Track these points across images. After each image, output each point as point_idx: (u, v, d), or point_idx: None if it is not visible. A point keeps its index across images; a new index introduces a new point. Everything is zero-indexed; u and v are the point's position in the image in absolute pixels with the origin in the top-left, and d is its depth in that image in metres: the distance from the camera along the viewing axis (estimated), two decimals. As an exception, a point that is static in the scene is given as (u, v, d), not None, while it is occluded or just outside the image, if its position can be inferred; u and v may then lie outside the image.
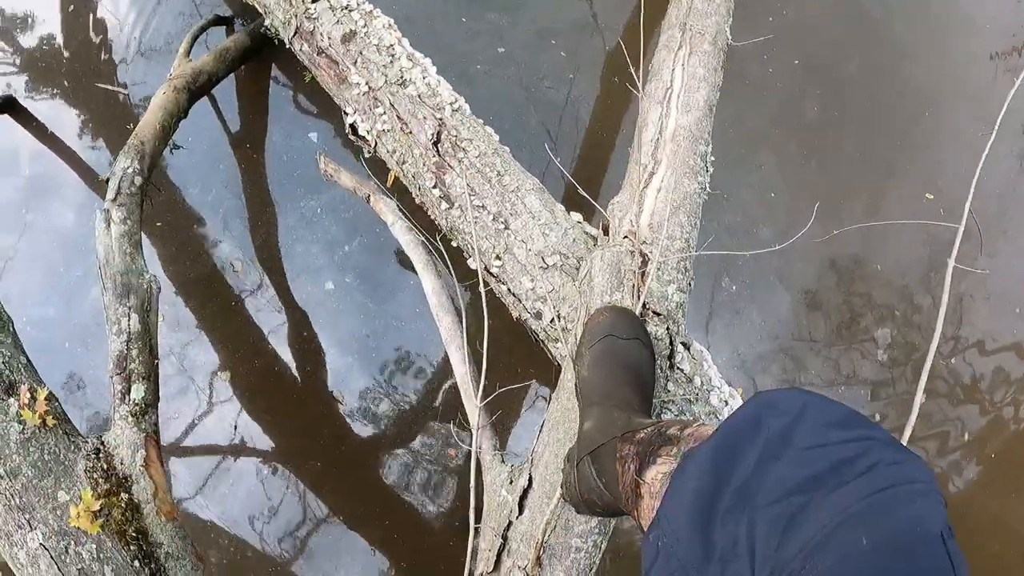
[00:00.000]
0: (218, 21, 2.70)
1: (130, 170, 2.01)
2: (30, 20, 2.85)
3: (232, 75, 2.57)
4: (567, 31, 2.65)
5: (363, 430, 2.30)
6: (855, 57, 2.96)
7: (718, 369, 1.54)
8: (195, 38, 2.56)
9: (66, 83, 2.71)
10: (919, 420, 2.35)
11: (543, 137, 2.46)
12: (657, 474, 0.88)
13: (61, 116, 2.67)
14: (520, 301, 1.62)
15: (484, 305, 1.52)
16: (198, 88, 2.40)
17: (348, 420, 2.30)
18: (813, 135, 2.75)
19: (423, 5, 2.63)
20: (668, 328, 1.39)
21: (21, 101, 2.65)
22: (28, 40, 2.80)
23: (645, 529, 0.91)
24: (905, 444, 1.16)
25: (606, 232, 1.57)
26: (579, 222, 1.67)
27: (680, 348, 1.46)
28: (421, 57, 1.89)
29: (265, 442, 2.29)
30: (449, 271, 1.65)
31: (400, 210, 1.81)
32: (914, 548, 0.55)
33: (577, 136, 2.51)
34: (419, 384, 2.33)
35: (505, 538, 1.34)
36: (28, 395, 1.54)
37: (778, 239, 2.43)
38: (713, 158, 1.69)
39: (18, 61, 2.77)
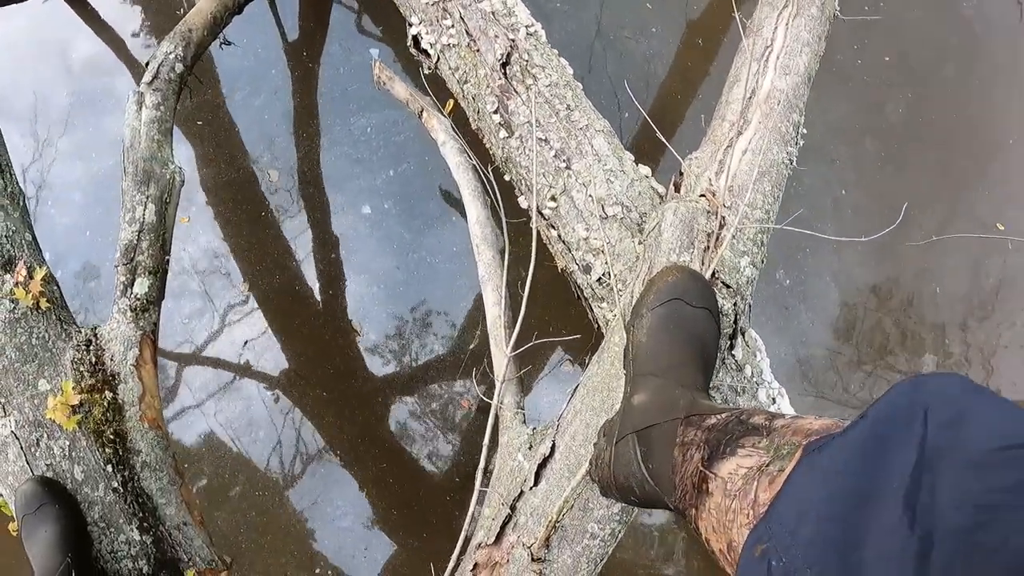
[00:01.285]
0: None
1: (172, 55, 1.88)
2: None
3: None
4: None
5: (376, 366, 2.19)
6: (949, 66, 2.79)
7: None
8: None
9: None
10: None
11: (615, 88, 2.31)
12: (738, 468, 0.72)
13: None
14: (570, 251, 1.48)
15: (534, 246, 1.37)
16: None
17: (362, 353, 2.19)
18: (893, 138, 2.60)
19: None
20: (735, 304, 1.25)
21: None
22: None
23: (702, 531, 0.76)
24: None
25: (677, 189, 1.42)
26: (647, 176, 1.52)
27: (740, 332, 1.32)
28: None
29: (272, 363, 2.19)
30: (498, 203, 1.51)
31: (453, 130, 1.66)
32: None
33: (649, 93, 2.36)
34: (443, 326, 2.22)
35: (513, 509, 1.21)
36: (24, 273, 1.43)
37: (846, 235, 2.31)
38: (805, 131, 1.53)
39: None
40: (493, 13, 1.63)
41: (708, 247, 1.26)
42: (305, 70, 2.41)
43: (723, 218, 1.28)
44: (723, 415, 0.82)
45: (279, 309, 2.23)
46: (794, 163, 1.49)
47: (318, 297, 2.23)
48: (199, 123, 2.37)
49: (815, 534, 0.53)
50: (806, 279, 2.33)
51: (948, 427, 0.49)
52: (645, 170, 1.53)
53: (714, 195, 1.32)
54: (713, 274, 1.24)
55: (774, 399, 1.42)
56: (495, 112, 1.57)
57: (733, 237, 1.28)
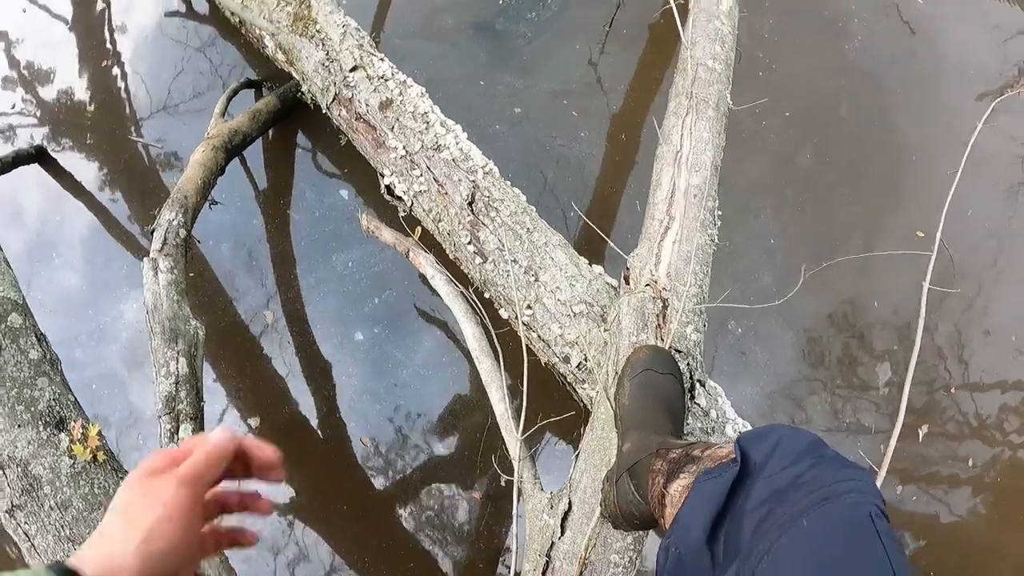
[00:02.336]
0: (249, 84, 2.89)
1: (175, 222, 2.18)
2: (53, 76, 3.04)
3: (261, 137, 2.75)
4: (578, 92, 2.85)
5: (390, 474, 2.42)
6: (844, 107, 3.16)
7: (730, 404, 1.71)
8: (229, 100, 2.75)
9: (91, 138, 2.89)
10: (922, 446, 2.54)
11: (558, 191, 2.63)
12: (679, 487, 1.02)
13: (86, 169, 2.85)
14: (550, 347, 1.78)
15: (524, 348, 1.68)
16: (234, 147, 2.58)
17: (376, 465, 2.43)
18: (807, 182, 2.94)
19: (444, 69, 2.83)
20: (688, 364, 1.56)
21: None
22: (51, 94, 3.00)
23: None
24: (888, 461, 1.32)
25: (627, 282, 1.73)
26: (601, 273, 1.84)
27: (697, 384, 1.62)
28: (453, 124, 2.07)
29: (293, 484, 2.41)
30: (485, 318, 1.81)
31: (437, 263, 1.97)
32: (845, 524, 0.73)
33: (585, 189, 2.68)
34: (444, 430, 2.46)
35: (549, 557, 1.49)
36: (80, 431, 1.66)
37: (779, 283, 2.62)
38: (720, 212, 1.86)
39: (42, 115, 2.95)
40: (454, 160, 1.95)
41: (659, 325, 1.57)
42: (284, 217, 2.70)
43: (665, 300, 1.60)
44: (680, 449, 1.14)
45: (292, 435, 2.46)
46: (716, 241, 1.81)
47: (325, 421, 2.47)
48: (192, 275, 2.63)
49: (696, 537, 0.86)
50: (756, 325, 2.63)
51: (761, 461, 0.86)
52: (598, 269, 1.85)
53: (656, 283, 1.64)
54: (668, 345, 1.55)
55: (740, 432, 1.73)
56: (469, 243, 1.89)
57: (678, 313, 1.60)
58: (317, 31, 2.32)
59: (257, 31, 2.56)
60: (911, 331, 2.79)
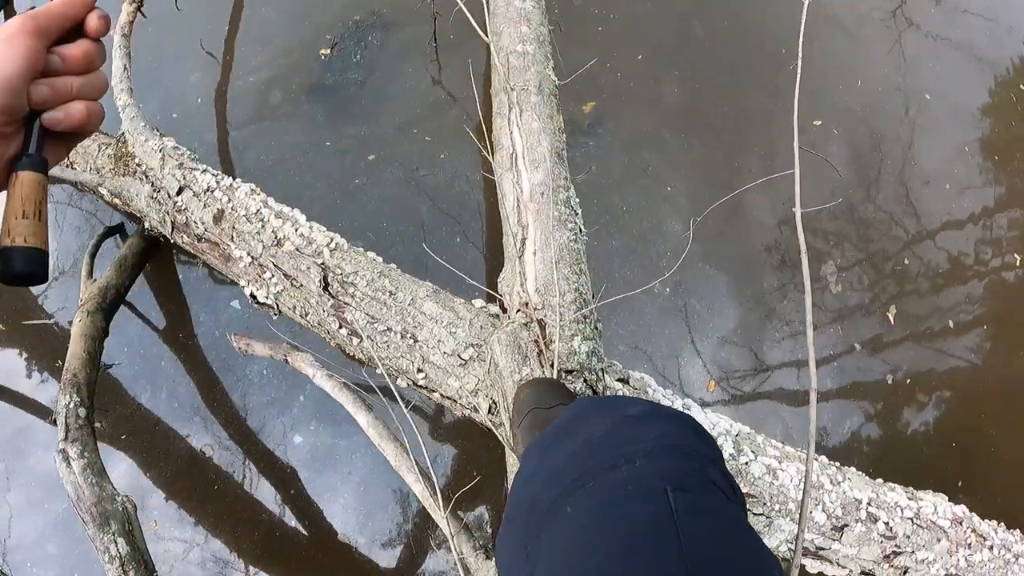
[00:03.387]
0: (108, 233, 2.76)
1: (71, 405, 2.08)
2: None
3: (143, 274, 2.64)
4: (424, 116, 2.74)
5: (385, 564, 2.33)
6: (697, 27, 3.07)
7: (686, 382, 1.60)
8: (93, 257, 2.63)
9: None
10: (897, 326, 2.47)
11: (438, 223, 2.53)
12: None
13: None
14: (455, 401, 1.68)
15: (414, 428, 1.57)
16: (110, 304, 2.46)
17: (366, 559, 2.33)
18: (684, 116, 2.85)
19: (289, 143, 2.72)
20: (585, 379, 1.45)
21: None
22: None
23: None
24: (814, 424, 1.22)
25: (504, 309, 1.63)
26: (482, 307, 1.73)
27: (614, 387, 1.52)
28: (289, 210, 1.96)
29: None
30: (397, 397, 1.70)
31: (317, 359, 1.86)
32: (636, 496, 0.68)
33: (465, 210, 2.57)
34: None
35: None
36: None
37: (689, 228, 2.52)
38: (578, 199, 1.75)
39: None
40: (297, 249, 1.84)
41: (540, 351, 1.46)
42: (187, 348, 2.59)
43: (540, 321, 1.49)
44: None
45: (272, 556, 2.35)
46: (582, 230, 1.70)
47: (300, 531, 2.37)
48: (123, 436, 2.52)
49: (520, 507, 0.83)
50: (682, 278, 2.54)
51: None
52: (479, 303, 1.74)
53: (527, 304, 1.53)
54: (557, 368, 1.44)
55: (689, 408, 1.63)
56: (340, 327, 1.78)
57: (561, 329, 1.49)
58: (138, 165, 2.22)
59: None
60: (840, 224, 2.73)
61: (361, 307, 1.74)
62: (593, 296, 1.60)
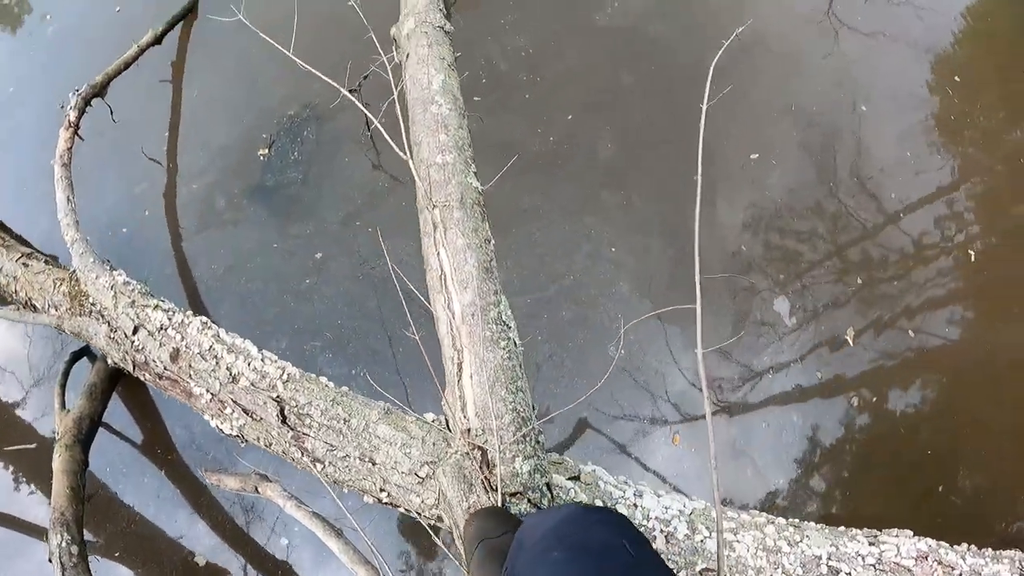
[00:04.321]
0: (75, 358, 2.83)
1: (63, 543, 2.16)
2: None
3: (116, 391, 2.70)
4: (365, 205, 2.82)
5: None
6: (624, 75, 3.15)
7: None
8: (63, 386, 2.69)
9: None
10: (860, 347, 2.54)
11: (390, 316, 2.60)
12: None
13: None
14: (420, 515, 1.76)
15: (376, 553, 1.65)
16: (86, 434, 2.53)
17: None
18: (620, 171, 2.93)
19: (237, 249, 2.79)
20: (529, 499, 1.53)
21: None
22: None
23: None
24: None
25: (450, 428, 1.71)
26: (434, 420, 1.82)
27: (565, 487, 1.61)
28: (240, 342, 2.03)
29: None
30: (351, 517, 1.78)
31: (286, 490, 1.94)
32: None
33: (413, 299, 2.63)
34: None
35: None
36: None
37: (638, 287, 2.60)
38: (510, 312, 1.83)
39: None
40: (252, 384, 1.92)
41: (485, 476, 1.55)
42: (167, 462, 2.65)
43: (480, 448, 1.58)
44: None
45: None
46: (517, 343, 1.78)
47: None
48: (116, 554, 2.59)
49: None
50: (636, 336, 2.61)
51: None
52: (430, 416, 1.83)
53: (469, 431, 1.62)
54: (502, 493, 1.53)
55: (635, 504, 1.72)
56: (302, 456, 1.86)
57: (501, 452, 1.57)
58: (92, 304, 2.29)
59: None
60: (788, 258, 2.81)
61: (319, 436, 1.82)
62: (534, 408, 1.68)
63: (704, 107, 1.59)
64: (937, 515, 2.43)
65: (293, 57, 2.26)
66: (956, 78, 3.37)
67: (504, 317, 1.80)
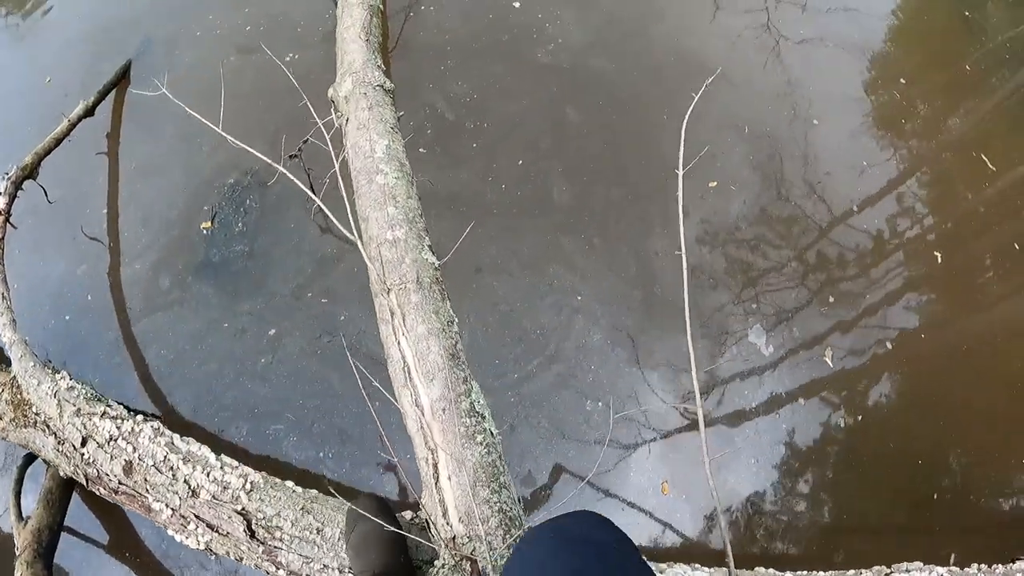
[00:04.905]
0: (29, 461, 2.67)
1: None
2: None
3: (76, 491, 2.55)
4: (316, 274, 2.69)
5: None
6: (570, 111, 3.09)
7: None
8: (18, 495, 2.53)
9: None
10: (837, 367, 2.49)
11: (350, 395, 2.49)
12: None
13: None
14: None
15: None
16: (47, 546, 2.38)
17: None
18: (577, 214, 2.85)
19: (186, 331, 2.65)
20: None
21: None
22: None
23: None
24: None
25: (435, 528, 1.62)
26: (412, 519, 1.72)
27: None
28: (198, 448, 1.92)
29: None
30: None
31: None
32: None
33: (377, 369, 2.50)
34: None
35: None
36: None
37: (610, 334, 2.53)
38: (483, 399, 1.74)
39: None
40: (214, 497, 1.81)
41: (476, 589, 1.45)
42: (139, 565, 2.51)
43: (469, 558, 1.48)
44: None
45: None
46: (494, 434, 1.69)
47: None
48: None
49: None
50: (617, 402, 2.54)
51: None
52: (408, 514, 1.73)
53: (454, 540, 1.52)
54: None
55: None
56: (278, 570, 1.75)
57: (491, 559, 1.48)
58: (36, 414, 2.16)
59: None
60: (759, 277, 2.77)
61: (292, 549, 1.72)
62: (520, 501, 1.59)
63: (680, 172, 1.50)
64: (935, 523, 2.41)
65: (223, 133, 2.16)
66: (901, 80, 3.39)
67: (478, 407, 1.71)
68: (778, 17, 3.62)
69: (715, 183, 2.97)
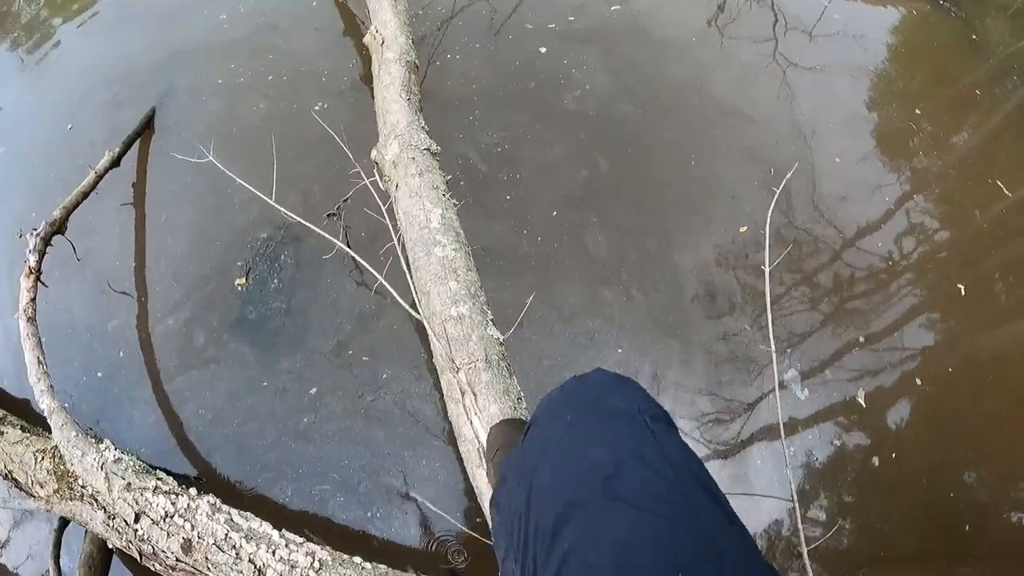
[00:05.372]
0: (65, 522, 2.64)
1: None
2: None
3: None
4: (355, 331, 2.67)
5: None
6: (602, 162, 3.10)
7: None
8: (57, 560, 2.50)
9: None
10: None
11: (399, 448, 2.47)
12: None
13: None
14: None
15: None
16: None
17: None
18: (614, 264, 2.86)
19: (224, 390, 2.61)
20: None
21: None
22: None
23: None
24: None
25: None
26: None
27: None
28: (259, 525, 1.90)
29: None
30: None
31: None
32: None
33: (421, 430, 2.51)
34: None
35: None
36: None
37: (649, 380, 2.53)
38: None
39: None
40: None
41: None
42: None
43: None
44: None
45: None
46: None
47: None
48: None
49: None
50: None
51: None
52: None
53: None
54: None
55: None
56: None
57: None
58: (83, 487, 2.13)
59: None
60: (790, 318, 2.77)
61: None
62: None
63: (767, 269, 1.49)
64: (968, 555, 2.42)
65: (279, 207, 2.15)
66: (917, 110, 3.43)
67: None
68: (785, 45, 3.72)
69: (745, 228, 2.98)
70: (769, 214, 2.20)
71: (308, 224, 2.07)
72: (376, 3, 3.00)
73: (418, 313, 1.82)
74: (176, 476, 2.42)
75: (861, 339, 2.77)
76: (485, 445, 1.56)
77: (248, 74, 3.45)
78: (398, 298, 1.86)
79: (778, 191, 2.17)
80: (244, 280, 2.80)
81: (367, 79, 3.19)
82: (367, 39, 2.90)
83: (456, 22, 3.63)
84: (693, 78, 3.49)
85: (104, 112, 3.42)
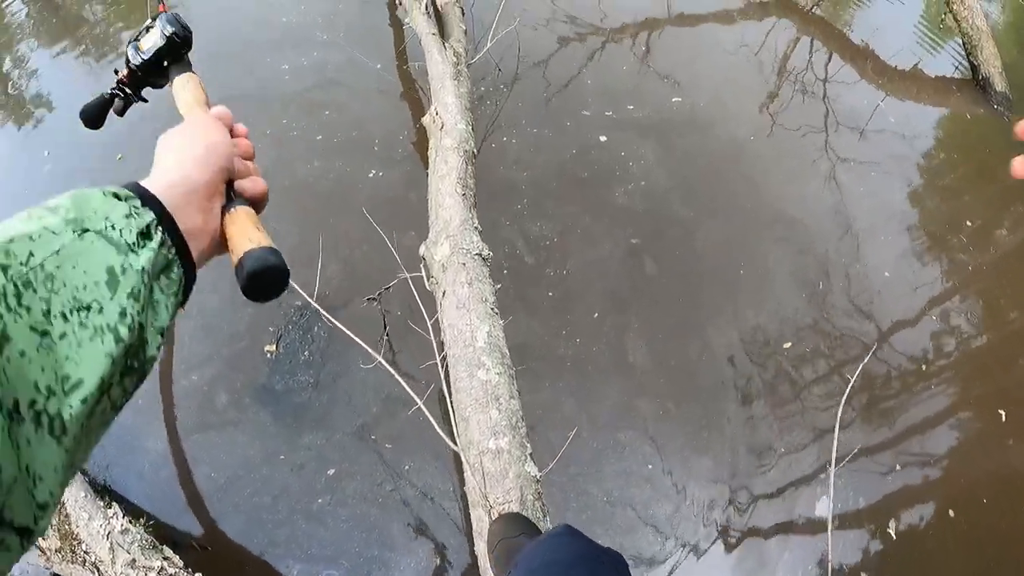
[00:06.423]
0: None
1: None
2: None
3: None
4: (383, 415, 2.61)
5: None
6: (647, 263, 3.07)
7: None
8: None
9: None
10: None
11: (414, 545, 2.40)
12: None
13: None
14: None
15: None
16: None
17: None
18: (652, 374, 2.79)
19: (239, 457, 2.54)
20: None
21: None
22: None
23: None
24: None
25: None
26: None
27: None
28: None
29: None
30: None
31: None
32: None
33: (439, 530, 2.44)
34: None
35: None
36: None
37: (678, 507, 2.46)
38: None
39: None
40: None
41: None
42: None
43: None
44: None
45: None
46: None
47: None
48: None
49: None
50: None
51: None
52: None
53: None
54: None
55: None
56: None
57: None
58: (86, 553, 2.09)
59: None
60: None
61: None
62: None
63: (832, 471, 1.44)
64: None
65: (336, 323, 2.10)
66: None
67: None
68: (836, 141, 3.74)
69: (789, 344, 2.93)
70: (839, 413, 2.12)
71: (349, 333, 2.04)
72: (438, 82, 2.95)
73: (455, 442, 1.76)
74: (179, 533, 2.38)
75: (898, 466, 2.70)
76: (488, 531, 1.60)
77: (300, 127, 3.43)
78: (435, 425, 1.80)
79: (857, 371, 2.09)
80: (274, 347, 2.75)
81: (422, 149, 3.16)
82: (426, 120, 2.85)
83: (515, 102, 3.60)
84: (748, 179, 3.45)
85: (151, 147, 3.38)
